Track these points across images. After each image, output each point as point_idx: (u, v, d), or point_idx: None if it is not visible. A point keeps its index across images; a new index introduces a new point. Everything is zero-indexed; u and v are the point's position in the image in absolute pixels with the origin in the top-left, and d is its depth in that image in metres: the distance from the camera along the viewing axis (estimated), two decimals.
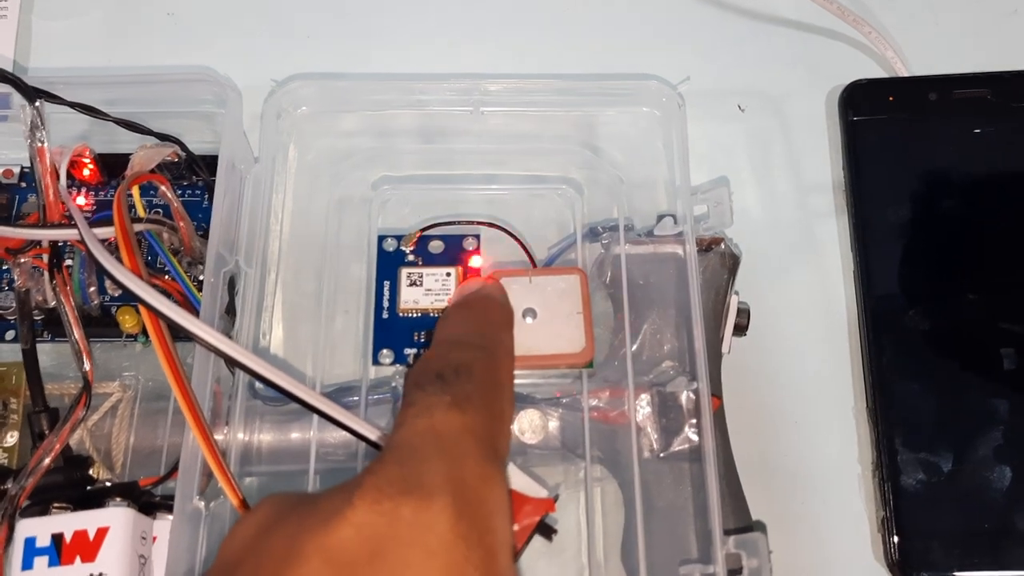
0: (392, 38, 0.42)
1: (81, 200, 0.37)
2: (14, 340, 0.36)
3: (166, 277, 0.35)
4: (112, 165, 0.38)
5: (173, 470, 0.31)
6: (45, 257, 0.33)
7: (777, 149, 0.41)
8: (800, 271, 0.39)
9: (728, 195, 0.34)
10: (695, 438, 0.32)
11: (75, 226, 0.31)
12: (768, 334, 0.37)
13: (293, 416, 0.33)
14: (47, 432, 0.32)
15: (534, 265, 0.36)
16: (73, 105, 0.35)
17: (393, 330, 0.35)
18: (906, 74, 0.41)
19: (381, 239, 0.36)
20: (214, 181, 0.35)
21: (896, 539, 0.34)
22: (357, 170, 0.37)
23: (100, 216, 0.36)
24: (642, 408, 0.33)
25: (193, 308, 0.34)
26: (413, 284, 0.35)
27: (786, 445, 0.36)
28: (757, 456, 0.35)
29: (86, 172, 0.37)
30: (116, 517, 0.29)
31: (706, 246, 0.35)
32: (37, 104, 0.32)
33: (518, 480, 0.31)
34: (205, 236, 0.35)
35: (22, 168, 0.38)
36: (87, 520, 0.29)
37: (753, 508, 0.33)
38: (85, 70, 0.41)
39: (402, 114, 0.38)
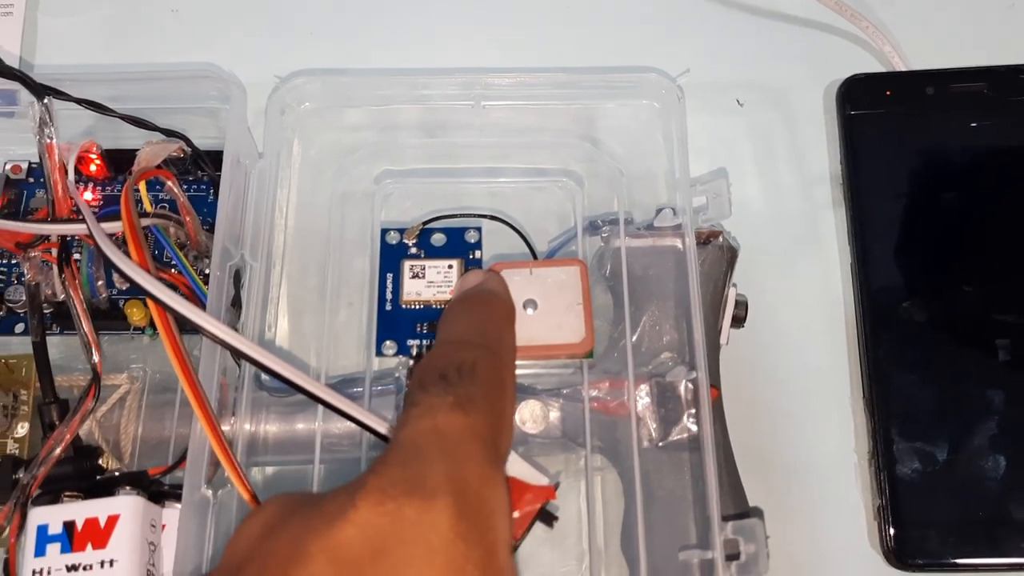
0: (393, 34, 0.43)
1: (88, 195, 0.38)
2: (24, 333, 0.36)
3: (173, 271, 0.35)
4: (118, 161, 0.38)
5: (181, 460, 0.32)
6: (54, 251, 0.33)
7: (776, 143, 0.41)
8: (798, 264, 0.39)
9: (727, 186, 0.34)
10: (693, 427, 0.33)
11: (83, 220, 0.31)
12: (766, 327, 0.37)
13: (298, 407, 0.34)
14: (57, 423, 0.32)
15: (535, 257, 0.36)
16: (80, 101, 0.35)
17: (396, 322, 0.35)
18: (903, 68, 0.41)
19: (384, 232, 0.36)
20: (219, 176, 0.35)
21: (892, 527, 0.34)
22: (360, 164, 0.38)
23: (107, 211, 0.36)
24: (641, 398, 0.33)
25: (199, 301, 0.34)
26: (416, 276, 0.35)
27: (784, 435, 0.36)
28: (755, 446, 0.36)
29: (93, 168, 0.38)
30: (126, 505, 0.30)
31: (704, 239, 0.35)
32: (45, 101, 0.32)
33: (519, 468, 0.32)
34: (211, 230, 0.35)
35: (30, 164, 0.39)
36: (98, 508, 0.30)
37: (751, 497, 0.33)
38: (91, 67, 0.42)
39: (404, 109, 0.38)
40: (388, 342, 0.35)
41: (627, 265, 0.35)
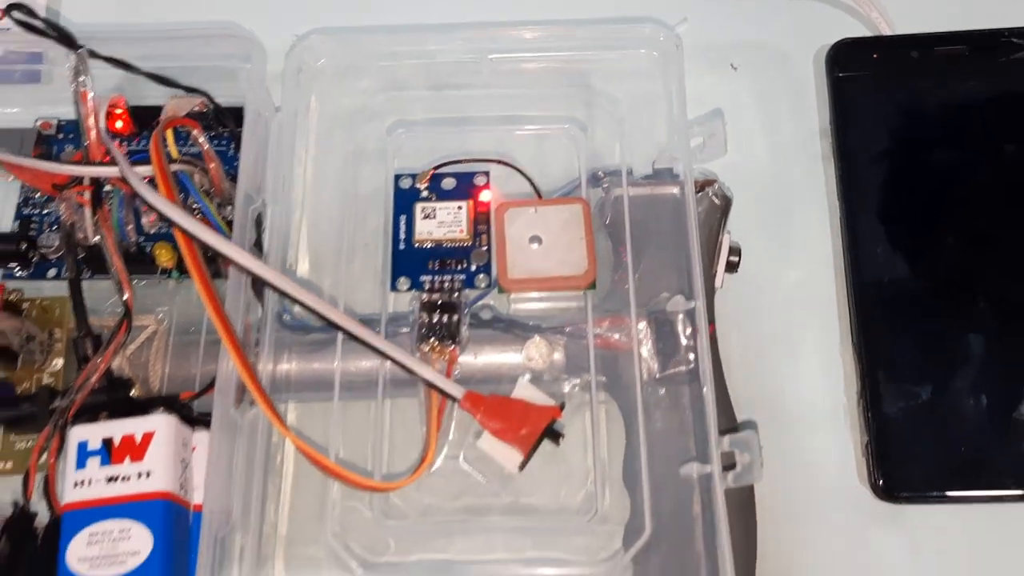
0: None
1: None
2: (56, 278, 0.38)
3: (198, 216, 0.37)
4: (143, 117, 0.40)
5: (210, 386, 0.34)
6: (87, 195, 0.35)
7: (768, 104, 0.42)
8: (789, 218, 0.41)
9: (722, 125, 0.36)
10: (691, 357, 0.34)
11: (116, 164, 0.33)
12: (758, 275, 0.39)
13: (318, 346, 0.36)
14: (91, 355, 0.34)
15: (540, 197, 0.38)
16: (107, 59, 0.37)
17: (409, 260, 0.37)
18: (889, 34, 0.43)
19: (397, 178, 0.38)
20: (239, 132, 0.37)
21: (879, 463, 0.35)
22: (374, 117, 0.40)
23: (136, 158, 0.38)
24: (641, 333, 0.35)
25: None
26: (427, 217, 0.37)
27: (775, 379, 0.38)
28: (747, 389, 0.37)
29: (119, 124, 0.40)
30: (161, 423, 0.32)
31: (699, 188, 0.37)
32: (80, 51, 0.34)
33: (527, 392, 0.34)
34: (233, 180, 0.37)
35: (59, 121, 0.41)
36: (134, 426, 0.32)
37: None
38: (114, 26, 0.43)
39: (415, 64, 0.40)
40: (402, 278, 0.37)
41: (628, 212, 0.36)
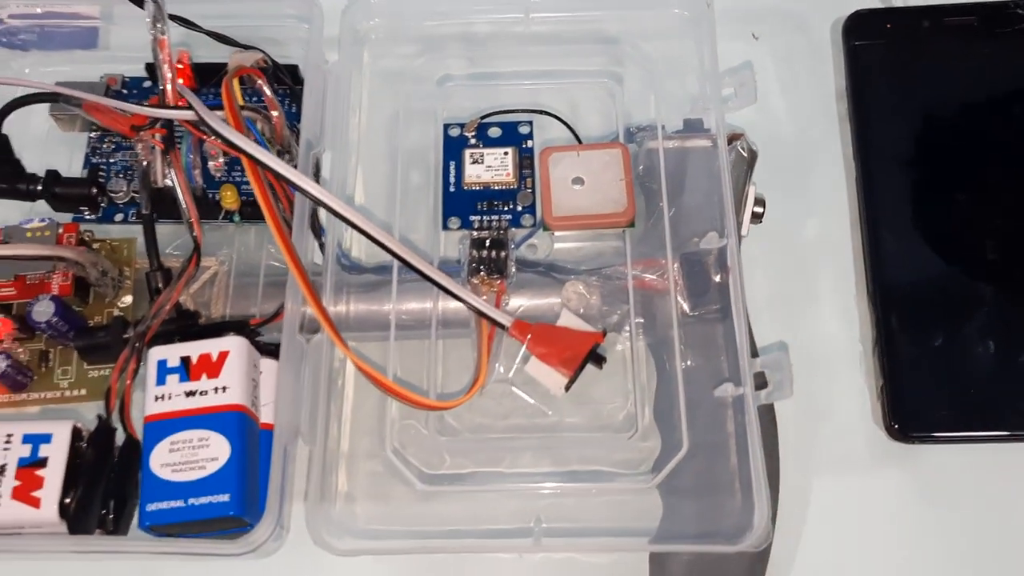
0: None
1: None
2: (123, 221, 0.40)
3: None
4: (203, 73, 0.42)
5: (277, 313, 0.36)
6: (159, 137, 0.37)
7: (788, 70, 0.45)
8: (809, 174, 0.43)
9: (752, 75, 0.38)
10: (722, 294, 0.36)
11: (191, 108, 0.36)
12: (781, 229, 0.41)
13: (373, 287, 0.38)
14: (162, 288, 0.37)
15: (580, 143, 0.40)
16: (172, 18, 0.40)
17: (459, 201, 0.40)
18: (902, 4, 0.45)
19: (446, 127, 0.41)
20: (296, 88, 0.40)
21: (893, 405, 0.37)
22: (422, 72, 0.42)
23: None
24: (674, 272, 0.37)
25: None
26: (475, 162, 0.40)
27: (796, 325, 0.39)
28: (768, 336, 0.39)
29: (181, 81, 0.42)
30: (234, 343, 0.34)
31: (728, 140, 0.39)
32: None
33: (571, 320, 0.36)
34: (292, 130, 0.40)
35: (123, 77, 0.43)
36: (210, 346, 0.34)
37: None
38: None
39: (460, 22, 0.42)
40: (452, 218, 0.39)
41: (663, 163, 0.38)
